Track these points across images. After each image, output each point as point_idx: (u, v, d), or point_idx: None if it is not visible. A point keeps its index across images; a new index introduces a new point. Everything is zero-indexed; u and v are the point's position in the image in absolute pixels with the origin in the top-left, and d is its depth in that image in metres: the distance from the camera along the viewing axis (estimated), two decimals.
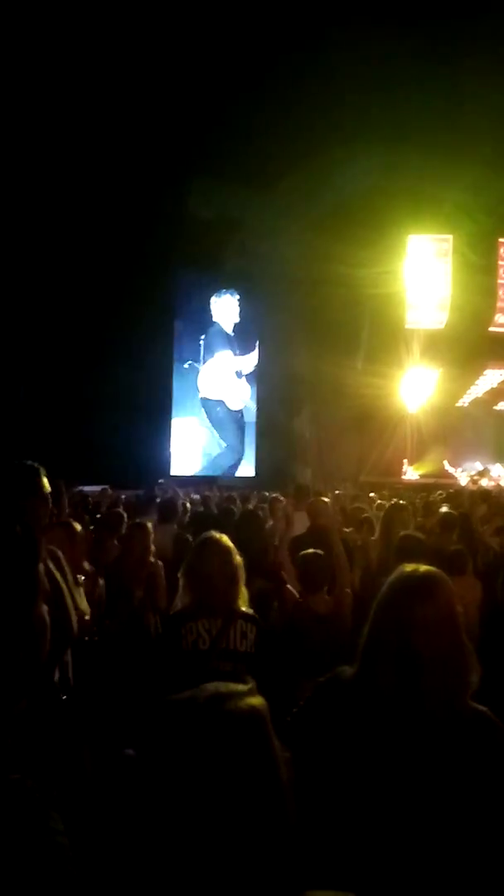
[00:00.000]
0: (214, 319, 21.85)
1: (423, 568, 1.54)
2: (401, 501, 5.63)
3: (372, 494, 10.76)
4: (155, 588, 4.10)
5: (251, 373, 22.12)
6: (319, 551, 3.47)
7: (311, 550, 3.50)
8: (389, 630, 1.47)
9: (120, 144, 17.22)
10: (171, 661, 2.62)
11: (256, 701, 0.90)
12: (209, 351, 21.67)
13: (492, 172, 19.12)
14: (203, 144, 18.29)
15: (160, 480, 11.45)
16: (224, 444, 21.67)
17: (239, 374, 21.81)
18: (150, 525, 4.45)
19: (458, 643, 1.46)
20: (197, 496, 9.51)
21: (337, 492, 6.61)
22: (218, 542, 2.78)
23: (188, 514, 6.82)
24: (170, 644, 2.66)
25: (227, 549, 2.75)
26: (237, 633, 2.63)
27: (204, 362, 21.64)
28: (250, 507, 6.79)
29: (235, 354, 21.90)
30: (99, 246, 17.61)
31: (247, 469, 21.67)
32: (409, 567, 1.55)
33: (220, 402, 21.61)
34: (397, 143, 18.96)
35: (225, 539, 2.81)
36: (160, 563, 4.30)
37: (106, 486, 11.03)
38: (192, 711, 0.87)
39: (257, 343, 22.09)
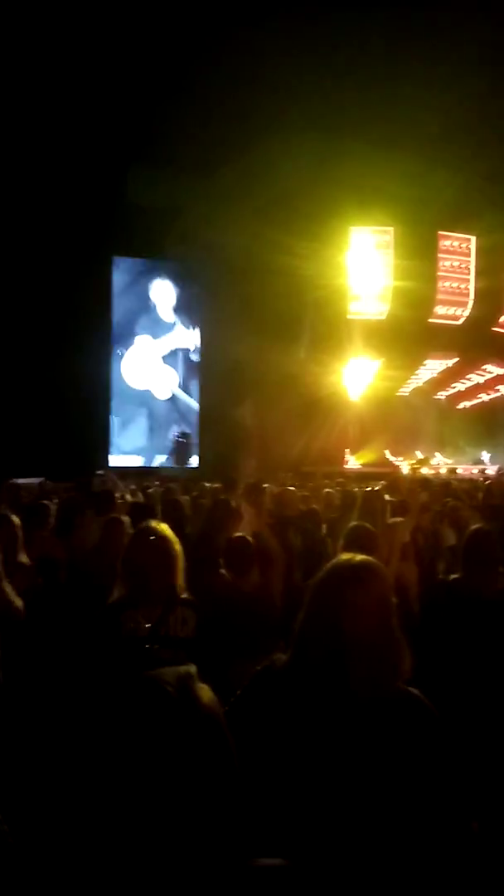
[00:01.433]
0: (152, 302, 21.50)
1: (359, 557, 1.59)
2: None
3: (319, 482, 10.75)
4: None
5: (191, 362, 21.88)
6: (245, 535, 3.55)
7: (237, 534, 3.58)
8: (321, 615, 1.52)
9: (56, 130, 16.66)
10: (110, 650, 2.61)
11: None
12: (132, 337, 21.40)
13: (432, 165, 19.41)
14: (141, 130, 17.89)
15: (99, 472, 11.15)
16: (165, 434, 21.45)
17: (174, 354, 21.51)
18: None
19: (386, 630, 1.51)
20: (133, 487, 9.27)
21: (265, 485, 6.56)
22: (154, 531, 2.78)
23: (128, 507, 6.60)
24: (108, 633, 2.65)
25: (164, 537, 2.75)
26: (177, 620, 2.64)
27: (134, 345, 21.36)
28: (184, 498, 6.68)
29: (163, 336, 21.60)
30: (33, 233, 17.02)
31: (190, 459, 21.47)
32: (346, 555, 1.60)
33: (147, 392, 21.34)
34: (338, 134, 19.03)
35: (163, 527, 2.82)
36: None
37: (43, 479, 10.66)
38: (165, 696, 0.89)
39: (199, 330, 21.87)
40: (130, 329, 21.41)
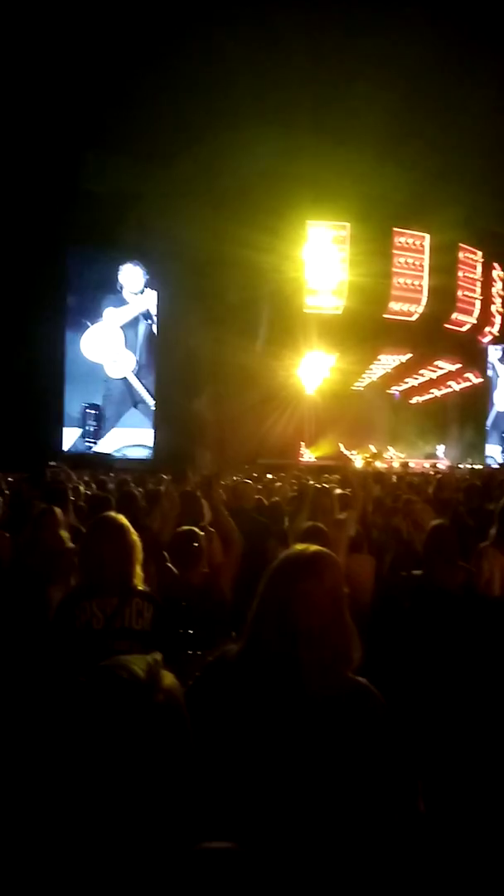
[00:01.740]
0: (120, 284, 21.33)
1: (313, 548, 1.61)
2: (326, 486, 5.67)
3: (270, 476, 10.82)
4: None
5: (148, 352, 21.72)
6: (191, 528, 3.47)
7: (182, 528, 3.51)
8: (273, 604, 1.53)
9: (10, 116, 16.20)
10: (64, 642, 2.58)
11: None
12: (99, 315, 21.20)
13: (387, 163, 19.65)
14: (98, 118, 17.55)
15: (51, 463, 10.96)
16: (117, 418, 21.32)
17: (134, 324, 21.31)
18: (58, 511, 4.21)
19: (338, 620, 1.52)
20: (87, 479, 9.17)
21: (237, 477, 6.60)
22: (112, 521, 2.77)
23: (83, 499, 6.52)
24: (62, 624, 2.62)
25: (120, 528, 2.73)
26: (133, 612, 2.62)
27: (94, 324, 21.17)
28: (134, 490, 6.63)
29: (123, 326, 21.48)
30: None
31: (144, 451, 21.34)
32: (299, 546, 1.62)
33: (99, 367, 21.15)
34: (296, 130, 19.11)
35: (120, 518, 2.79)
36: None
37: None
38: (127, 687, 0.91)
39: (155, 319, 21.72)
40: (85, 316, 21.13)
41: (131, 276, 21.53)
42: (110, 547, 2.68)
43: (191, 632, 2.99)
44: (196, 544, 3.33)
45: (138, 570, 2.73)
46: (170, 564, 3.51)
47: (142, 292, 21.74)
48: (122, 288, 21.45)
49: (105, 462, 17.18)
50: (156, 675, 0.94)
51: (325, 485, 5.91)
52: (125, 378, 21.60)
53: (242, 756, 1.44)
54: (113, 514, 2.87)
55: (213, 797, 1.37)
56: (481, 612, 3.18)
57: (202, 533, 3.47)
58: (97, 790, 0.86)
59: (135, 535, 2.75)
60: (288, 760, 1.43)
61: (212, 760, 1.40)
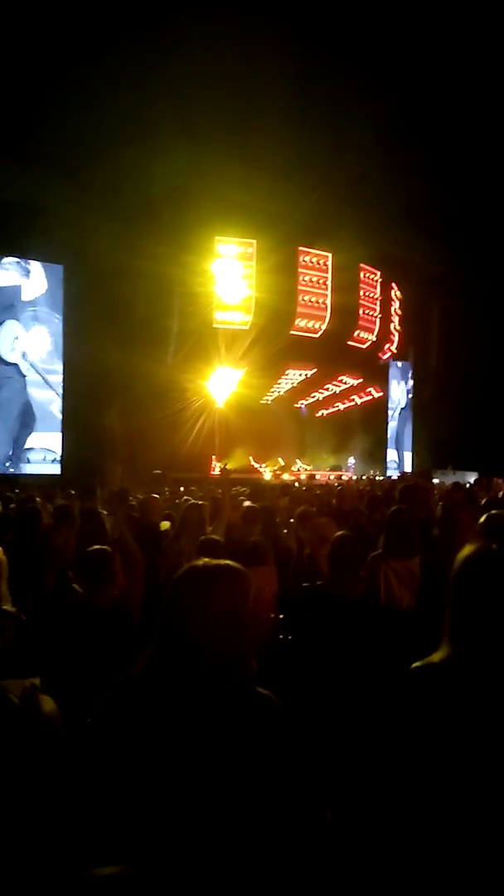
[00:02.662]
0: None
1: (213, 562, 1.61)
2: (197, 501, 5.78)
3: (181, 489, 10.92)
4: None
5: (52, 358, 21.20)
6: (102, 547, 3.35)
7: (94, 547, 3.36)
8: (172, 621, 1.53)
9: None
10: None
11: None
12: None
13: (292, 183, 20.34)
14: (7, 126, 17.15)
15: None
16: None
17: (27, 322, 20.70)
18: None
19: (235, 631, 1.52)
20: None
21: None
22: None
23: None
24: None
25: None
26: None
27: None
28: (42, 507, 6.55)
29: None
30: None
31: (52, 467, 20.81)
32: (200, 561, 1.62)
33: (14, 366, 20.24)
34: (204, 147, 19.42)
35: None
36: None
37: None
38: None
39: (61, 328, 21.22)
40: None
41: (12, 269, 20.71)
42: None
43: (91, 661, 2.90)
44: (107, 565, 3.22)
45: (4, 589, 2.72)
46: (75, 586, 3.41)
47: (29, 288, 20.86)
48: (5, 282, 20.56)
49: (9, 477, 16.68)
50: (34, 700, 0.92)
51: (190, 499, 5.98)
52: (20, 364, 20.66)
53: (148, 773, 1.43)
54: None
55: (118, 818, 1.36)
56: (380, 621, 3.23)
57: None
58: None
59: (2, 555, 2.75)
60: (190, 774, 1.42)
61: (119, 781, 1.42)
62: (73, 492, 8.89)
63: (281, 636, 3.80)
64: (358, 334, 26.69)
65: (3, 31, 15.48)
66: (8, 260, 20.27)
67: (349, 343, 26.49)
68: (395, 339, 29.36)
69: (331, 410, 29.34)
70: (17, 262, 20.41)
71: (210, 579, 1.55)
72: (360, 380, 27.99)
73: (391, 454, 29.35)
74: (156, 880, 0.87)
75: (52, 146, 17.54)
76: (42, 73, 16.57)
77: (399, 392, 30.10)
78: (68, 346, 21.14)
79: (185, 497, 8.60)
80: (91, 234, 18.38)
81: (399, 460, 29.59)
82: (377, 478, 20.39)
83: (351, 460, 27.49)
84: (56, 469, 20.53)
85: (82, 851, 0.90)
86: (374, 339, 27.65)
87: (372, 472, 25.56)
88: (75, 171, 18.18)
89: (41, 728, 0.90)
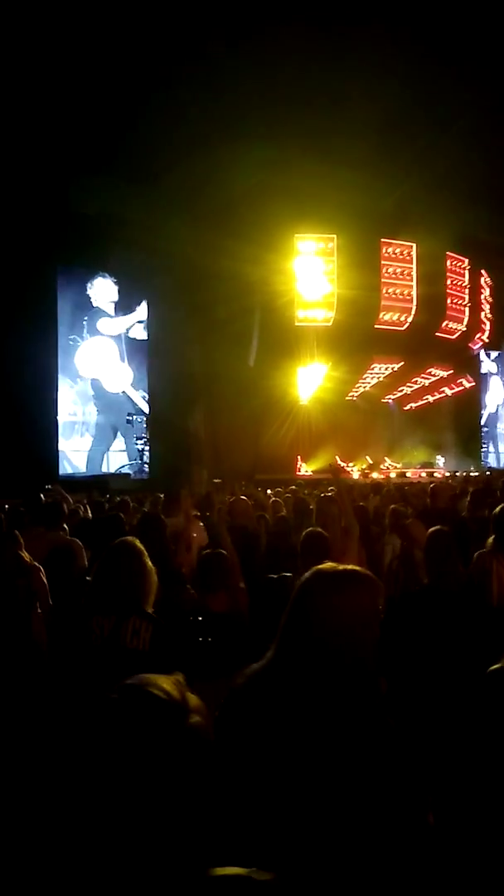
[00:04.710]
0: (94, 305, 21.29)
1: (341, 566, 1.59)
2: (329, 494, 5.66)
3: (269, 492, 10.78)
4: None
5: (139, 368, 21.67)
6: (220, 551, 3.43)
7: (208, 551, 3.46)
8: (300, 625, 1.50)
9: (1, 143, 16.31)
10: (78, 657, 2.65)
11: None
12: (91, 332, 21.09)
13: (373, 174, 19.81)
14: (86, 140, 17.67)
15: (47, 486, 10.89)
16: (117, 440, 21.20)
17: (119, 341, 21.31)
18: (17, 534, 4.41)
19: (370, 639, 1.50)
20: (85, 501, 9.11)
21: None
22: (123, 546, 2.85)
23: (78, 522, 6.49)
24: (76, 639, 2.69)
25: (131, 552, 2.82)
26: (128, 631, 2.66)
27: (85, 340, 21.07)
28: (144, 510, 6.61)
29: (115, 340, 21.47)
30: None
31: (141, 469, 21.26)
32: (327, 565, 1.60)
33: (97, 381, 21.03)
34: (282, 144, 19.27)
35: (130, 541, 2.88)
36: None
37: None
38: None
39: (146, 335, 21.71)
40: (88, 330, 21.13)
41: (102, 289, 21.43)
42: (113, 568, 2.78)
43: (204, 663, 2.95)
44: (222, 570, 3.29)
45: (146, 591, 2.78)
46: (189, 587, 3.55)
47: (132, 309, 21.70)
48: (95, 301, 21.24)
49: (100, 483, 17.10)
50: (185, 695, 0.92)
51: (279, 500, 5.87)
52: (124, 392, 21.51)
53: (269, 777, 1.42)
54: (130, 539, 2.95)
55: (236, 818, 1.34)
56: (483, 616, 3.22)
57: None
58: (121, 808, 0.84)
59: (144, 557, 2.84)
60: (316, 781, 1.40)
61: (239, 782, 1.40)
62: (161, 496, 8.92)
63: None
64: (446, 325, 25.75)
65: (78, 49, 15.90)
66: (100, 280, 20.98)
67: (437, 334, 25.60)
68: (487, 328, 28.11)
69: (420, 403, 28.38)
70: (106, 277, 21.08)
71: (343, 582, 1.53)
72: (451, 371, 26.97)
73: (487, 447, 28.18)
74: (277, 882, 0.88)
75: (130, 157, 17.90)
76: (118, 86, 16.92)
77: (496, 383, 28.90)
78: (152, 351, 21.54)
79: (274, 499, 8.46)
80: (171, 238, 18.62)
81: (496, 452, 28.37)
82: (472, 474, 19.44)
83: (440, 459, 26.48)
84: (137, 470, 20.94)
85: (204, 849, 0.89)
86: (464, 328, 26.60)
87: (462, 470, 24.37)
88: (153, 178, 18.46)
89: (195, 725, 0.90)
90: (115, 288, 21.34)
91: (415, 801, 1.50)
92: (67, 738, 2.12)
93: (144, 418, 21.35)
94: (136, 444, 20.74)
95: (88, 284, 21.01)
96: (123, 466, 20.99)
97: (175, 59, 16.98)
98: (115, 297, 21.42)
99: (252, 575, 4.14)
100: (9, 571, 4.15)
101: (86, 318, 21.04)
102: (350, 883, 1.37)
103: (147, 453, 20.82)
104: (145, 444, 20.72)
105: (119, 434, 21.24)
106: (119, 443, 21.23)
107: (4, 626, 3.99)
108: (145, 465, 20.90)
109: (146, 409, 21.57)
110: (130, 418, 20.71)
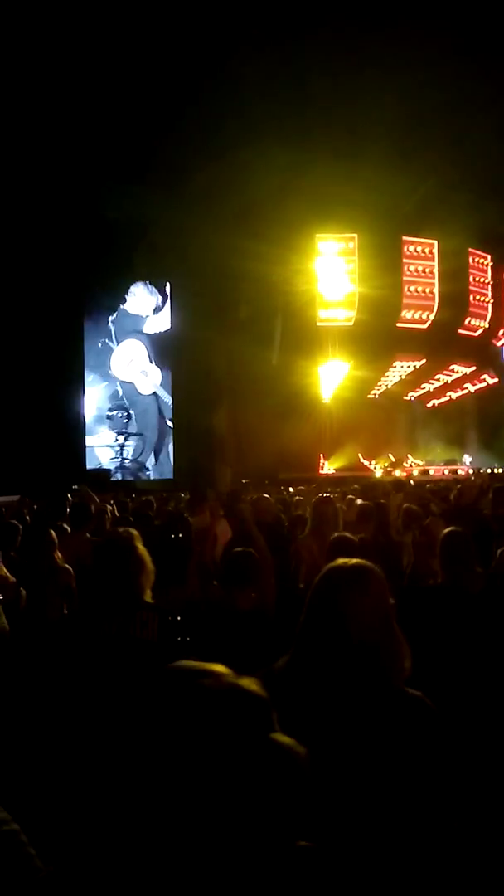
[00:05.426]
0: (123, 308, 21.57)
1: (354, 560, 1.63)
2: (325, 494, 5.69)
3: (291, 489, 10.86)
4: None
5: (164, 370, 21.90)
6: (247, 549, 3.40)
7: (237, 549, 3.43)
8: (323, 620, 1.53)
9: (28, 153, 16.60)
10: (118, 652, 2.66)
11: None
12: (121, 335, 21.47)
13: (392, 172, 19.73)
14: (114, 148, 17.90)
15: (74, 486, 11.08)
16: (138, 438, 21.41)
17: (147, 342, 21.47)
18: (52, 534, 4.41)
19: (388, 630, 1.53)
20: (112, 502, 9.27)
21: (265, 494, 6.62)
22: (116, 537, 2.86)
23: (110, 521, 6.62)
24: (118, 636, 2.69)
25: (119, 543, 2.82)
26: (137, 623, 2.68)
27: (118, 344, 21.44)
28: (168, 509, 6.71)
29: (144, 343, 21.75)
30: (5, 254, 16.93)
31: (165, 469, 21.46)
32: (341, 560, 1.63)
33: (131, 384, 21.34)
34: (303, 145, 19.31)
35: (126, 532, 2.87)
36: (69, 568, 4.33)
37: (21, 496, 10.55)
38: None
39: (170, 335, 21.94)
40: (102, 345, 21.43)
41: (142, 296, 21.76)
42: (108, 567, 2.79)
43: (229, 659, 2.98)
44: (250, 567, 3.24)
45: (143, 583, 2.78)
46: (216, 583, 3.54)
47: (157, 310, 21.97)
48: (134, 308, 21.65)
49: (127, 483, 17.34)
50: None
51: (327, 494, 5.86)
52: (154, 393, 21.82)
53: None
54: (115, 534, 2.93)
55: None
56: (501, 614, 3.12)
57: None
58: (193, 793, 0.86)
59: (140, 549, 2.81)
60: (340, 774, 1.41)
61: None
62: (183, 495, 9.05)
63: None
64: (469, 322, 25.52)
65: (103, 57, 16.10)
66: (135, 287, 21.30)
67: (460, 331, 25.39)
68: None
69: (442, 400, 28.18)
70: (137, 284, 21.41)
71: (362, 576, 1.56)
72: (474, 367, 26.74)
73: None
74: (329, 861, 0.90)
75: (156, 162, 18.08)
76: (146, 95, 17.10)
77: None
78: (175, 352, 21.74)
79: (297, 497, 8.54)
80: (194, 241, 18.78)
81: None
82: (496, 471, 19.29)
83: (467, 458, 26.22)
84: (169, 472, 21.15)
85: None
86: (487, 325, 26.34)
87: (486, 467, 24.13)
88: (178, 183, 18.62)
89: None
90: (144, 290, 21.62)
91: (447, 799, 1.50)
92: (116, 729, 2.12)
93: (125, 413, 21.60)
94: (118, 438, 20.95)
95: (118, 289, 21.37)
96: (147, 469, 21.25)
97: (200, 65, 17.11)
98: (144, 300, 21.68)
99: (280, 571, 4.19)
100: (43, 573, 4.18)
101: (113, 321, 21.35)
102: (383, 869, 1.38)
103: (127, 449, 21.12)
104: (126, 438, 20.94)
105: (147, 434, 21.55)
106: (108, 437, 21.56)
107: (38, 627, 4.06)
108: (125, 461, 21.13)
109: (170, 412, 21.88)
110: (111, 413, 21.02)
